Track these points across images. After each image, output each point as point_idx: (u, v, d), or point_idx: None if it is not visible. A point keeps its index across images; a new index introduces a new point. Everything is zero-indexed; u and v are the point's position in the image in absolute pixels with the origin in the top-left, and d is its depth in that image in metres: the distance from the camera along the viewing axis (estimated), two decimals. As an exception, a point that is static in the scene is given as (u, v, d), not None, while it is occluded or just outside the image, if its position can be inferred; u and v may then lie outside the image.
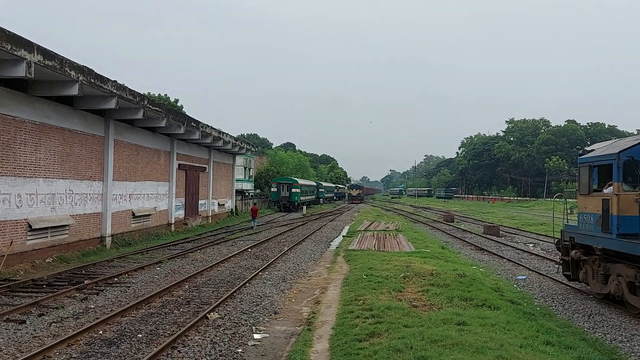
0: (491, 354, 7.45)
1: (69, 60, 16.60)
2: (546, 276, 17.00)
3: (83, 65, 17.51)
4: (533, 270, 18.14)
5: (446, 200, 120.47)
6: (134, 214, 24.93)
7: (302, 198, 60.35)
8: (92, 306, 11.89)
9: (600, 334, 10.72)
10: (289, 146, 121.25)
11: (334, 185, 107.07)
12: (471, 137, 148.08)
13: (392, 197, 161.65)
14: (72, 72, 16.83)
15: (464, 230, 35.83)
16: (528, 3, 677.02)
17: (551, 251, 22.63)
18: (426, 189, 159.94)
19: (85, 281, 14.35)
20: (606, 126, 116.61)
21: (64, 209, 19.13)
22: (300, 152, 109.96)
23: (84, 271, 16.38)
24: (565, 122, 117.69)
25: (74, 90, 17.24)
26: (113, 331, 9.83)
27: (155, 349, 8.62)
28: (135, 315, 11.04)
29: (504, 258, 21.28)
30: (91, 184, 21.07)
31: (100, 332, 9.75)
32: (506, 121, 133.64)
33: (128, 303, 11.98)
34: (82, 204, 20.35)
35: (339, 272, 16.66)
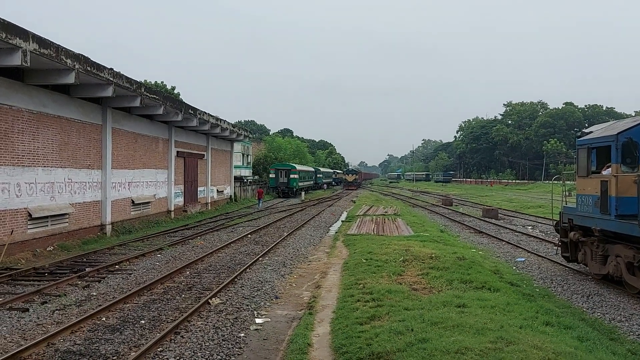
0: (491, 335, 7.52)
1: (64, 48, 16.49)
2: (545, 258, 17.10)
3: (79, 54, 17.39)
4: (532, 252, 18.25)
5: (444, 184, 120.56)
6: (133, 202, 24.95)
7: (300, 184, 60.39)
8: (94, 293, 11.96)
9: (599, 314, 10.83)
10: (286, 132, 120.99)
11: (332, 171, 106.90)
12: (469, 120, 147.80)
13: (390, 182, 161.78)
14: (68, 61, 16.72)
15: (462, 213, 35.94)
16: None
17: (550, 233, 22.74)
18: (424, 173, 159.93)
19: (86, 269, 14.40)
20: (604, 108, 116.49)
21: (63, 198, 19.13)
22: (298, 138, 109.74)
23: (85, 259, 16.43)
24: (563, 104, 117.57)
25: (71, 79, 17.14)
26: (116, 318, 9.90)
27: (158, 334, 8.68)
28: (138, 302, 11.11)
29: (503, 241, 21.38)
30: (90, 172, 21.05)
31: (103, 318, 9.81)
32: (504, 104, 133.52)
33: (130, 290, 12.05)
34: (81, 193, 20.35)
35: (338, 257, 16.74)
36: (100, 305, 10.63)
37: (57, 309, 10.54)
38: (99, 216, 21.75)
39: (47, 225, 18.11)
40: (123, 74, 20.85)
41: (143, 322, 9.66)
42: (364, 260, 14.71)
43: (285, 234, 22.84)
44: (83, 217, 20.50)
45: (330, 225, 27.86)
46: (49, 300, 11.21)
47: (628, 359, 7.99)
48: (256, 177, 61.43)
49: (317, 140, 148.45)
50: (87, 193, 20.79)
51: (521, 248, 19.37)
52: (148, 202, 26.75)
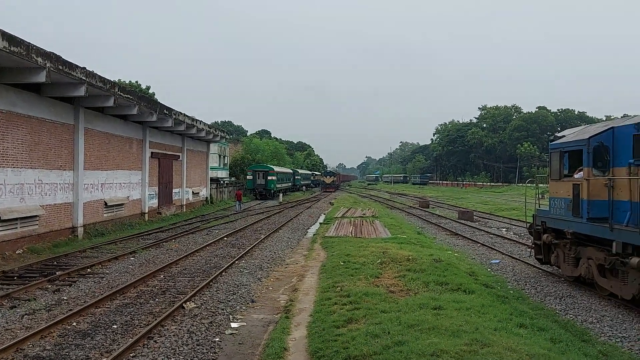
0: (466, 337, 7.55)
1: (35, 46, 16.12)
2: (519, 260, 17.32)
3: (50, 52, 17.03)
4: (506, 255, 18.46)
5: (421, 186, 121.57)
6: (106, 204, 24.51)
7: (278, 185, 60.17)
8: (65, 298, 11.69)
9: (571, 315, 10.98)
10: (264, 133, 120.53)
11: (311, 173, 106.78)
12: (445, 123, 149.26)
13: (369, 184, 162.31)
14: (39, 59, 16.36)
15: (439, 215, 36.23)
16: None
17: (524, 235, 23.06)
18: (402, 175, 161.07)
19: (57, 272, 14.08)
20: (576, 112, 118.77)
21: (33, 200, 18.68)
22: (276, 139, 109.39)
23: (55, 262, 16.06)
24: (537, 108, 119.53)
25: (41, 78, 16.77)
26: (87, 322, 9.68)
27: (130, 339, 8.51)
28: (110, 306, 10.88)
29: (478, 243, 21.60)
30: (61, 173, 20.61)
31: (74, 323, 9.59)
32: (479, 108, 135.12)
33: (102, 294, 11.80)
34: (52, 194, 19.91)
35: (316, 260, 16.68)
36: (70, 310, 10.38)
37: (26, 314, 10.26)
38: (70, 218, 21.30)
39: (16, 228, 17.66)
40: (96, 73, 20.49)
41: (115, 326, 9.46)
42: (342, 263, 14.69)
43: (263, 236, 22.70)
44: (54, 219, 20.05)
45: (308, 228, 27.79)
46: (18, 305, 10.91)
47: (600, 360, 8.11)
48: (233, 178, 61.00)
49: (295, 142, 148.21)
50: (58, 195, 20.34)
51: (496, 250, 19.58)
52: (121, 204, 26.32)
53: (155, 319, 9.71)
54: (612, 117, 70.19)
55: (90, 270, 14.80)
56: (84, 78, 19.09)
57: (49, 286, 12.71)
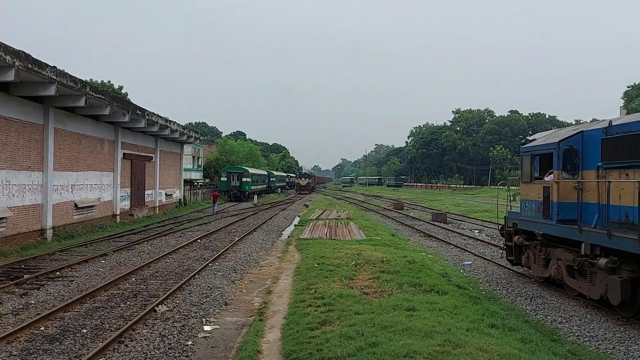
0: (439, 338, 7.62)
1: (3, 44, 15.73)
2: (491, 261, 17.57)
3: (19, 50, 16.63)
4: (478, 256, 18.71)
5: (396, 188, 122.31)
6: (76, 205, 24.03)
7: (253, 187, 59.87)
8: (33, 302, 11.40)
9: (541, 315, 11.18)
10: (239, 135, 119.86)
11: (286, 175, 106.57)
12: (420, 126, 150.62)
13: (344, 186, 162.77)
14: (8, 57, 15.96)
15: (413, 217, 36.54)
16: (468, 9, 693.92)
17: (495, 237, 23.40)
18: (377, 177, 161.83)
19: (24, 276, 13.73)
20: (547, 116, 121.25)
21: (0, 201, 18.20)
22: (251, 141, 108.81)
23: (23, 265, 15.66)
24: (509, 112, 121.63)
25: (10, 76, 16.38)
26: (55, 327, 9.46)
27: (100, 344, 8.34)
28: (80, 310, 10.66)
29: (451, 244, 21.84)
30: (30, 174, 20.13)
31: (42, 328, 9.36)
32: (453, 111, 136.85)
33: (71, 297, 11.55)
34: (20, 196, 19.43)
35: (290, 262, 16.64)
36: (38, 314, 10.13)
37: (-9, 319, 9.98)
38: (39, 220, 20.81)
39: (-18, 230, 17.18)
40: (67, 73, 20.07)
41: (85, 331, 9.27)
42: (316, 265, 14.68)
43: (237, 238, 22.54)
44: (22, 221, 19.56)
45: (283, 230, 27.73)
46: (-17, 310, 10.60)
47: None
48: (207, 180, 60.48)
49: (270, 144, 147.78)
50: (26, 196, 19.86)
51: (468, 251, 19.83)
52: (92, 206, 25.84)
53: (126, 323, 9.54)
54: (582, 121, 71.89)
55: (60, 273, 14.48)
56: (54, 77, 18.70)
57: (17, 290, 12.38)
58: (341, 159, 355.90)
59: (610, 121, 11.24)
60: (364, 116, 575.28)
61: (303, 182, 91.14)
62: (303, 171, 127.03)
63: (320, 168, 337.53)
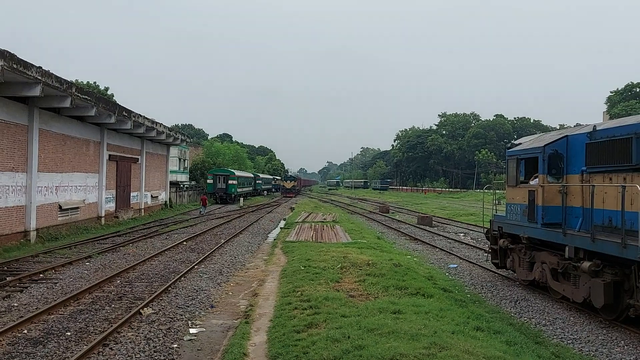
0: (425, 341, 7.65)
1: (-13, 43, 15.53)
2: (476, 264, 17.69)
3: (4, 50, 16.42)
4: (464, 259, 18.82)
5: (382, 191, 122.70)
6: (61, 207, 23.76)
7: (239, 190, 59.69)
8: (16, 304, 11.24)
9: (526, 318, 11.29)
10: (225, 137, 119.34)
11: (272, 177, 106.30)
12: (406, 130, 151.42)
13: (330, 189, 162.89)
14: (-9, 56, 15.76)
15: (398, 220, 36.66)
16: (454, 3, 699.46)
17: (481, 240, 23.58)
18: (362, 180, 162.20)
19: (7, 278, 13.53)
20: (532, 121, 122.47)
21: (-17, 202, 17.94)
22: (238, 143, 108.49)
23: (6, 267, 15.43)
24: (494, 116, 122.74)
25: (-6, 76, 16.17)
26: (39, 330, 9.34)
27: (85, 347, 8.26)
28: (63, 313, 10.54)
29: (437, 247, 21.96)
30: (13, 175, 19.87)
31: (25, 331, 9.23)
32: (439, 115, 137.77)
33: (55, 300, 11.42)
34: (3, 197, 19.16)
35: (276, 264, 16.61)
36: (21, 317, 9.99)
37: (-28, 322, 9.82)
38: (22, 222, 20.54)
39: (-36, 232, 16.91)
40: (52, 73, 19.85)
41: (69, 334, 9.16)
42: (302, 268, 14.67)
43: (223, 241, 22.45)
44: (4, 222, 19.29)
45: (269, 232, 27.67)
46: (-36, 312, 10.44)
47: (552, 362, 8.36)
48: (193, 182, 60.15)
49: (256, 146, 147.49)
50: (9, 197, 19.59)
51: (454, 255, 19.95)
52: (77, 208, 25.57)
53: (111, 326, 9.46)
54: (566, 126, 72.78)
55: (43, 276, 14.31)
56: (39, 78, 18.49)
57: (-2, 292, 12.21)
58: (327, 162, 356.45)
59: (595, 126, 11.40)
60: (350, 119, 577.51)
61: (288, 184, 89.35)
62: (288, 174, 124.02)
63: (306, 171, 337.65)
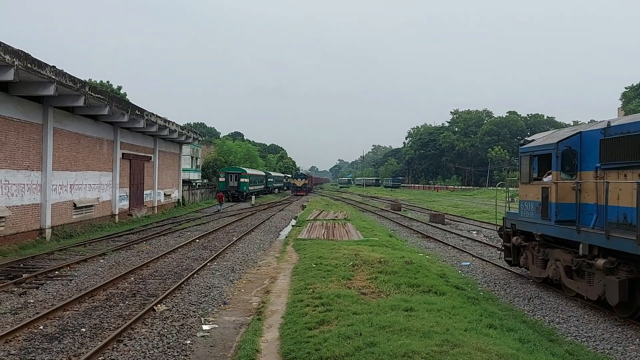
0: (437, 338, 7.64)
1: (3, 43, 15.73)
2: (489, 262, 17.60)
3: (19, 50, 16.63)
4: (476, 257, 18.74)
5: (393, 189, 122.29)
6: (75, 205, 24.02)
7: (250, 188, 59.87)
8: (32, 301, 11.40)
9: (539, 316, 11.21)
10: (237, 135, 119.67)
11: (283, 175, 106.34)
12: (417, 127, 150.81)
13: (341, 187, 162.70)
14: (7, 57, 15.96)
15: (410, 218, 36.56)
16: (463, 10, 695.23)
17: (493, 238, 23.45)
18: (374, 178, 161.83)
19: (23, 275, 13.73)
20: (545, 117, 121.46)
21: (-1, 200, 18.20)
22: (249, 141, 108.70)
23: (22, 264, 15.67)
24: (507, 113, 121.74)
25: (9, 76, 16.38)
26: (54, 326, 9.46)
27: (100, 343, 8.35)
28: (78, 309, 10.67)
29: (449, 245, 21.87)
30: (29, 174, 20.12)
31: (41, 327, 9.36)
32: (451, 112, 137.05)
33: (70, 297, 11.56)
34: (19, 195, 19.42)
35: (288, 262, 16.66)
36: (37, 313, 10.13)
37: (-10, 318, 9.98)
38: (38, 220, 20.80)
39: (-20, 229, 17.17)
40: (66, 72, 20.07)
41: (84, 330, 9.28)
42: (314, 265, 14.70)
43: (235, 238, 22.55)
44: (21, 220, 19.55)
45: (281, 230, 27.74)
46: (-18, 309, 10.61)
47: None
48: (205, 180, 60.47)
49: (268, 144, 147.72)
50: (25, 195, 19.85)
51: (466, 252, 19.86)
52: (91, 205, 25.83)
53: (125, 322, 9.55)
54: (580, 122, 72.09)
55: (58, 273, 14.49)
56: (53, 77, 18.70)
57: (15, 289, 12.39)
58: (338, 160, 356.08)
59: (609, 122, 11.29)
60: (361, 117, 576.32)
61: (299, 183, 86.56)
62: (299, 171, 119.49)
63: (317, 169, 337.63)
